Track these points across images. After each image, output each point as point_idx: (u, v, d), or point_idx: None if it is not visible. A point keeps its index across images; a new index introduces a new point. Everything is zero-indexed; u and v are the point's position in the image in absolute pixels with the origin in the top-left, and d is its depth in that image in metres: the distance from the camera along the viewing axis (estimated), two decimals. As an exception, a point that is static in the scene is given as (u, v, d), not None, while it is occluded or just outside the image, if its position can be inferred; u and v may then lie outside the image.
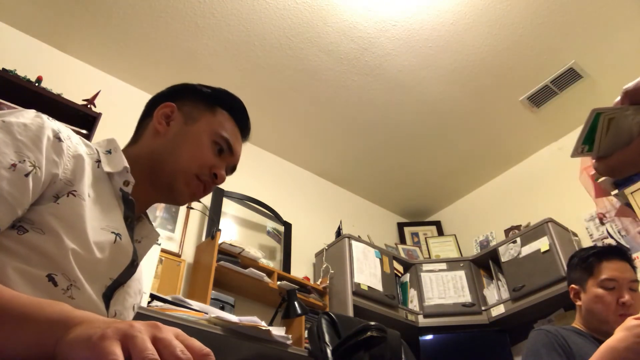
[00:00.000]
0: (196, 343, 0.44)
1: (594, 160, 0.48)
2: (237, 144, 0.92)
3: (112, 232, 0.72)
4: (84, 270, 0.66)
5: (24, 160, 0.63)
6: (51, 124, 0.70)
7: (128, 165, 0.79)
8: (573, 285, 1.52)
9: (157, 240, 0.90)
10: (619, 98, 0.46)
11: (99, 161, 0.77)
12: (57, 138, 0.69)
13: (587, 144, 0.46)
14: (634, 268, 1.48)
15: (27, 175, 0.62)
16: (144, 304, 1.84)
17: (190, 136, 0.86)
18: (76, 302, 0.64)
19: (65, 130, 0.72)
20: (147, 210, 0.89)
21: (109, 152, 0.80)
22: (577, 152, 0.47)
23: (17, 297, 0.51)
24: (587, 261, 1.50)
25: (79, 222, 0.67)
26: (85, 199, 0.69)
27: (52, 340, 0.45)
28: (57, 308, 0.49)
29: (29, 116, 0.69)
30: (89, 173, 0.73)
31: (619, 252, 1.50)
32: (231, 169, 0.93)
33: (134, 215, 0.80)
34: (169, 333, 0.43)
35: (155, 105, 0.90)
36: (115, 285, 0.74)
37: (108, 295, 0.73)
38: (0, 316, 0.48)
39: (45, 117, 0.71)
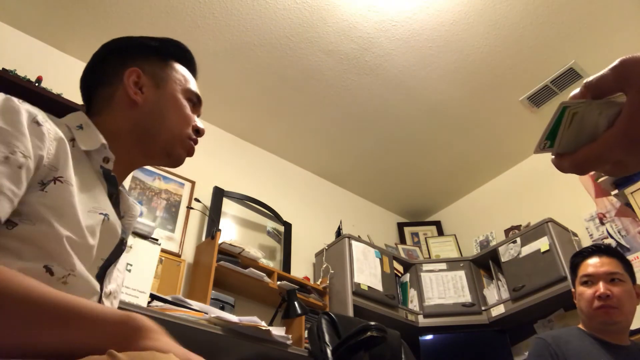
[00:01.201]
0: None
1: (553, 157, 0.44)
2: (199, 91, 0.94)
3: (100, 213, 0.70)
4: (79, 256, 0.65)
5: (15, 152, 0.60)
6: (25, 106, 0.66)
7: (105, 142, 0.76)
8: (572, 289, 1.58)
9: (139, 213, 0.88)
10: (577, 91, 0.42)
11: (73, 139, 0.74)
12: (35, 122, 0.65)
13: (550, 139, 0.42)
14: (623, 261, 1.51)
15: (20, 167, 0.60)
16: (144, 303, 1.84)
17: (170, 100, 0.85)
18: (72, 288, 0.62)
19: (39, 112, 0.68)
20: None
21: (80, 127, 0.76)
22: (538, 148, 0.43)
23: (77, 299, 0.54)
24: (573, 263, 1.58)
25: (71, 209, 0.65)
26: (73, 184, 0.67)
27: (115, 343, 0.49)
28: (114, 310, 0.53)
29: None
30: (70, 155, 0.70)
31: (599, 249, 1.54)
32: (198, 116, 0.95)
33: (117, 191, 0.79)
34: None
35: (108, 71, 0.85)
36: (107, 265, 0.73)
37: (101, 275, 0.72)
38: (67, 317, 0.51)
39: (15, 99, 0.66)
